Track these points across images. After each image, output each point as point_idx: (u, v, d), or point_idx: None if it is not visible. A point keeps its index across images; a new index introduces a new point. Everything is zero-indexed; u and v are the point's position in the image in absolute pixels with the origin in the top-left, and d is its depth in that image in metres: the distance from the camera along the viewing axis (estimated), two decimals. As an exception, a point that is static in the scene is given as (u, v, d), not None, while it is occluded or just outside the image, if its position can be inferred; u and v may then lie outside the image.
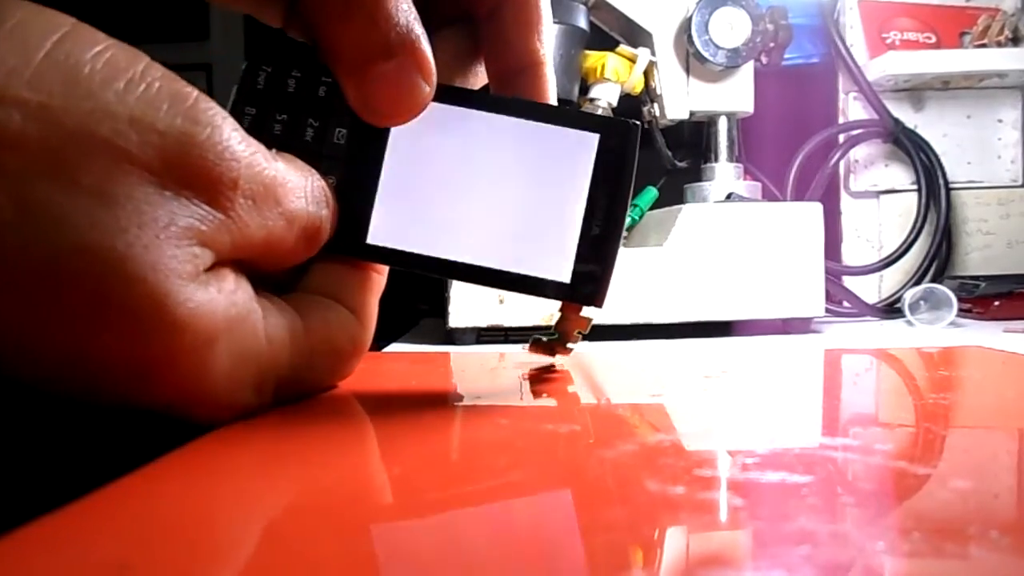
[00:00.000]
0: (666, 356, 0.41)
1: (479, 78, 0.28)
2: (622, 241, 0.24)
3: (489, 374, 0.32)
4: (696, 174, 0.63)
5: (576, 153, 0.24)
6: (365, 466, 0.19)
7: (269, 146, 0.23)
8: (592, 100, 0.58)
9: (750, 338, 0.53)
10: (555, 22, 0.55)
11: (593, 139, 0.24)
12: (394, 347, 0.52)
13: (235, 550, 0.13)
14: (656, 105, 0.61)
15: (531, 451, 0.21)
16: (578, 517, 0.15)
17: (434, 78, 0.22)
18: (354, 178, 0.24)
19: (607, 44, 0.59)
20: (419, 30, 0.22)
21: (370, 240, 0.24)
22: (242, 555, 0.13)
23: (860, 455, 0.19)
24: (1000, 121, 0.74)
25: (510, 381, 0.30)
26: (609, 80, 0.58)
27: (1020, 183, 0.73)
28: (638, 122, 0.25)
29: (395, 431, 0.23)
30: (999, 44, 0.70)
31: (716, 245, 0.53)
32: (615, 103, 0.58)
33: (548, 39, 0.27)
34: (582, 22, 0.56)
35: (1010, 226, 0.72)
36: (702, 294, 0.53)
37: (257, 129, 0.24)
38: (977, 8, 0.73)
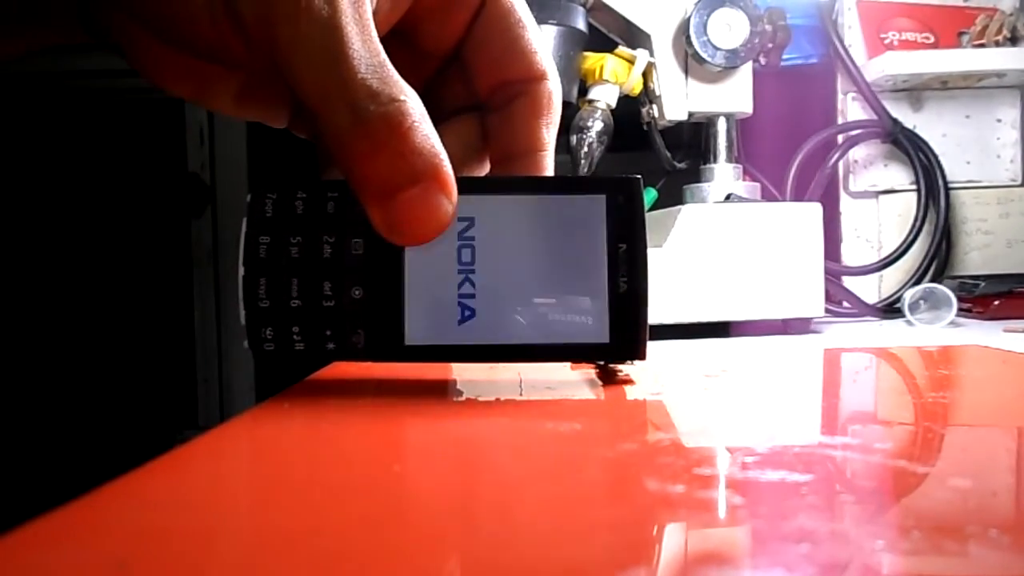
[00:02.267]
0: (666, 356, 0.41)
1: (485, 166, 0.28)
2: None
3: (488, 372, 0.32)
4: (695, 175, 0.63)
5: (587, 217, 0.25)
6: (365, 463, 0.19)
7: (289, 270, 0.24)
8: (591, 101, 0.58)
9: (750, 338, 0.53)
10: (553, 24, 0.55)
11: (600, 200, 0.25)
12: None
13: (233, 549, 0.14)
14: (655, 106, 0.61)
15: (530, 448, 0.21)
16: (578, 515, 0.15)
17: (456, 195, 0.22)
18: (380, 285, 0.24)
19: (606, 45, 0.59)
20: (442, 153, 0.22)
21: (409, 342, 0.24)
22: (241, 554, 0.13)
23: (860, 454, 0.19)
24: (999, 121, 0.74)
25: (509, 378, 0.30)
26: (608, 81, 0.58)
27: (1019, 182, 0.73)
28: (639, 176, 0.25)
29: (394, 428, 0.23)
30: (997, 44, 0.70)
31: (715, 246, 0.53)
32: (614, 104, 0.58)
33: (555, 130, 0.27)
34: (580, 24, 0.56)
35: (1009, 225, 0.72)
36: (702, 295, 0.53)
37: (275, 255, 0.24)
38: (975, 8, 0.73)
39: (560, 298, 0.25)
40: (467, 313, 0.24)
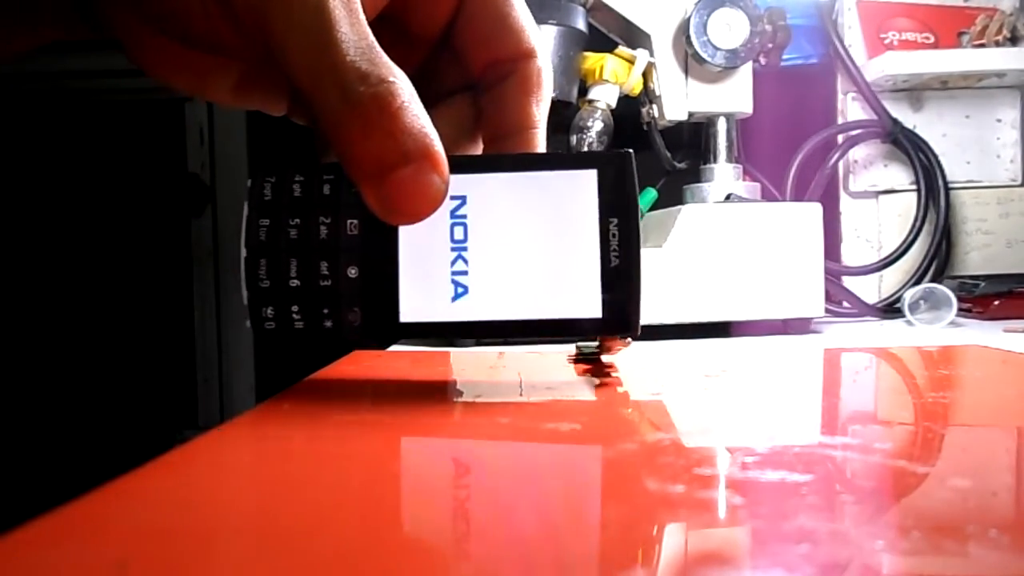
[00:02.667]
0: (666, 356, 0.41)
1: (478, 146, 0.28)
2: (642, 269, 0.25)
3: (489, 372, 0.32)
4: (695, 175, 0.63)
5: (578, 192, 0.25)
6: (364, 464, 0.19)
7: (288, 252, 0.25)
8: (591, 102, 0.58)
9: (750, 338, 0.53)
10: (553, 24, 0.55)
11: (591, 175, 0.25)
12: (394, 348, 0.52)
13: (233, 549, 0.14)
14: (655, 106, 0.61)
15: (530, 449, 0.21)
16: (578, 515, 0.15)
17: (448, 173, 0.23)
18: (375, 263, 0.25)
19: (605, 46, 0.59)
20: (432, 133, 0.22)
21: (404, 319, 0.25)
22: (240, 554, 0.13)
23: (859, 454, 0.19)
24: (999, 121, 0.74)
25: (510, 379, 0.30)
26: (608, 82, 0.57)
27: (1019, 182, 0.73)
28: (630, 150, 0.25)
29: (394, 428, 0.23)
30: (997, 44, 0.70)
31: (715, 246, 0.53)
32: (614, 104, 0.58)
33: (545, 107, 0.27)
34: (580, 24, 0.56)
35: (1009, 225, 0.72)
36: (702, 295, 0.53)
37: (274, 237, 0.25)
38: (975, 8, 0.73)
39: (552, 273, 0.25)
40: (460, 290, 0.25)
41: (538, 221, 0.25)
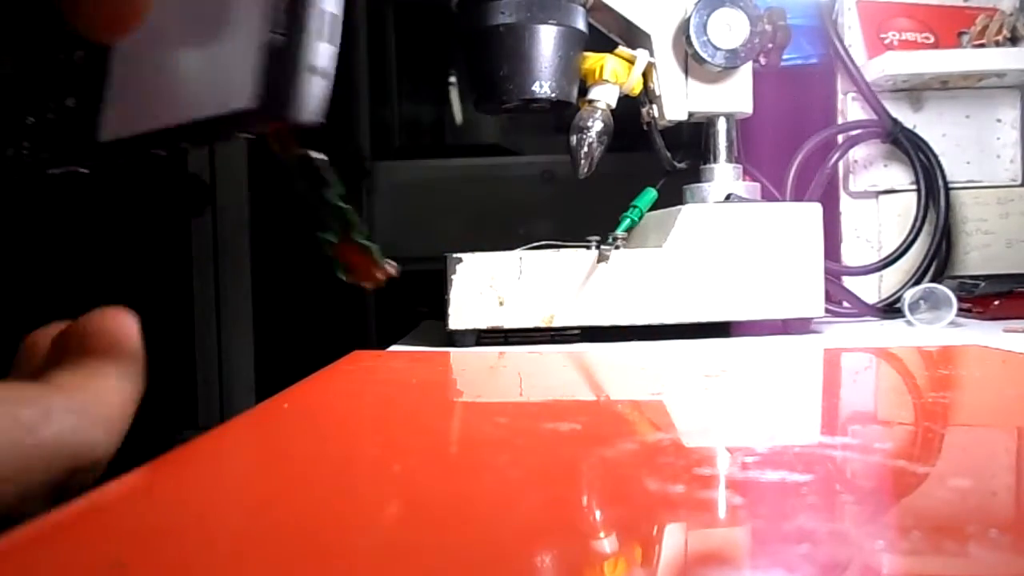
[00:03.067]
0: (666, 356, 0.41)
1: None
2: (326, 45, 0.23)
3: (489, 372, 0.32)
4: (695, 175, 0.63)
5: None
6: (365, 463, 0.19)
7: (30, 91, 0.25)
8: (591, 101, 0.58)
9: (750, 338, 0.53)
10: (553, 24, 0.55)
11: None
12: (394, 348, 0.52)
13: (232, 549, 0.13)
14: (655, 106, 0.61)
15: (531, 449, 0.21)
16: (578, 515, 0.15)
17: None
18: (88, 91, 0.25)
19: (605, 46, 0.59)
20: None
21: (102, 138, 0.25)
22: (240, 554, 0.13)
23: (859, 454, 0.19)
24: (999, 121, 0.74)
25: (510, 379, 0.30)
26: (608, 82, 0.57)
27: (1019, 182, 0.73)
28: None
29: (394, 427, 0.23)
30: (997, 44, 0.70)
31: (716, 246, 0.53)
32: (614, 104, 0.58)
33: None
34: (580, 24, 0.56)
35: (1009, 225, 0.72)
36: (702, 295, 0.53)
37: (24, 81, 0.26)
38: (975, 8, 0.73)
39: (218, 66, 0.23)
40: (146, 103, 0.24)
41: (212, 14, 0.23)
